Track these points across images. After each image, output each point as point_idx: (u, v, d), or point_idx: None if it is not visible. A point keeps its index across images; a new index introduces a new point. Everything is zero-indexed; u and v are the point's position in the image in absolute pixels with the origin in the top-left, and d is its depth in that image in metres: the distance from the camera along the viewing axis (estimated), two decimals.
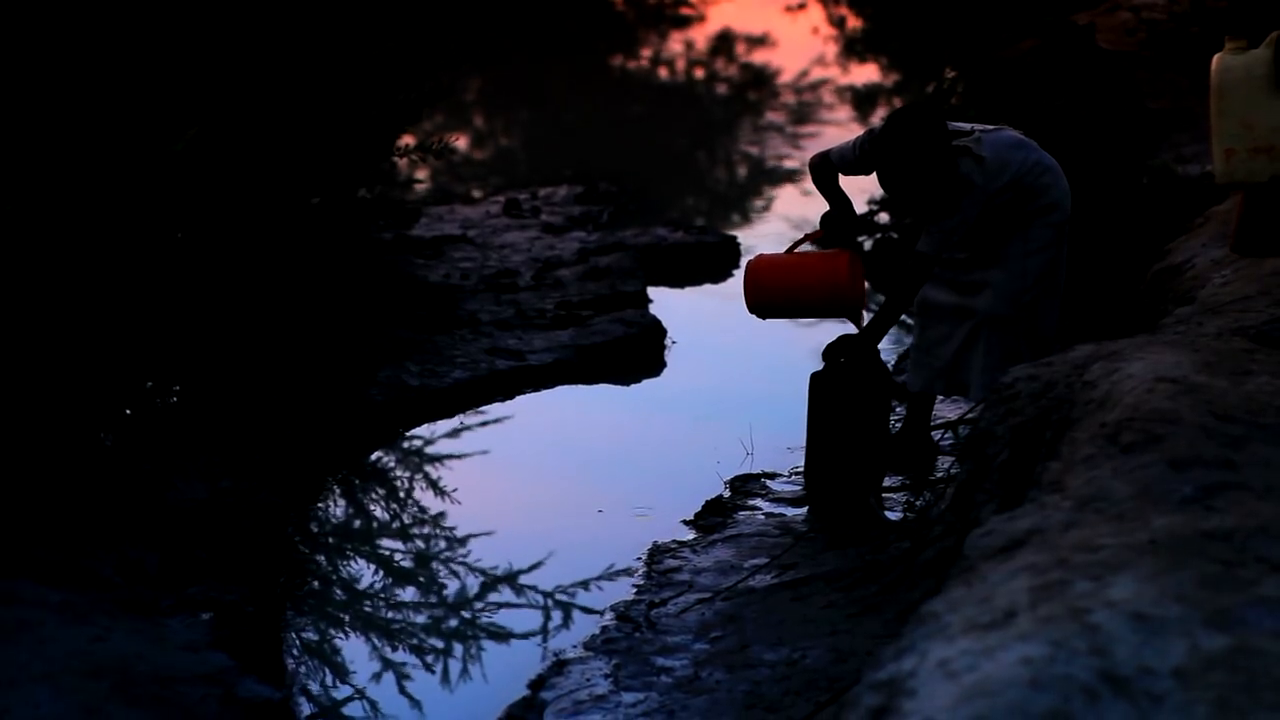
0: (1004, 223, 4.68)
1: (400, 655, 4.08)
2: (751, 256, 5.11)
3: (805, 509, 4.88)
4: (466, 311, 6.99)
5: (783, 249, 5.11)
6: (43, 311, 4.36)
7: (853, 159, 4.78)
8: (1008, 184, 4.61)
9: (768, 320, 5.17)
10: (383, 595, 4.46)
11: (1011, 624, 2.01)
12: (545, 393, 6.32)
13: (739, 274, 5.81)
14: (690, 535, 4.72)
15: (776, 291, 4.97)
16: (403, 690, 3.90)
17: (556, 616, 4.28)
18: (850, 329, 4.97)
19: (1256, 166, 4.23)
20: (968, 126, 4.72)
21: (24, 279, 4.30)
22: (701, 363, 6.77)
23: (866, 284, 5.12)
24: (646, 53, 17.99)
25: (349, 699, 3.86)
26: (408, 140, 7.32)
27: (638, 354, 6.76)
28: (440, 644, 4.16)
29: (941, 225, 4.60)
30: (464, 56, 14.21)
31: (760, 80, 15.93)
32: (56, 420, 4.45)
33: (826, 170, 4.92)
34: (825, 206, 4.97)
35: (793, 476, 5.16)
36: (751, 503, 4.96)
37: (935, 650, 1.99)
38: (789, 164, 11.84)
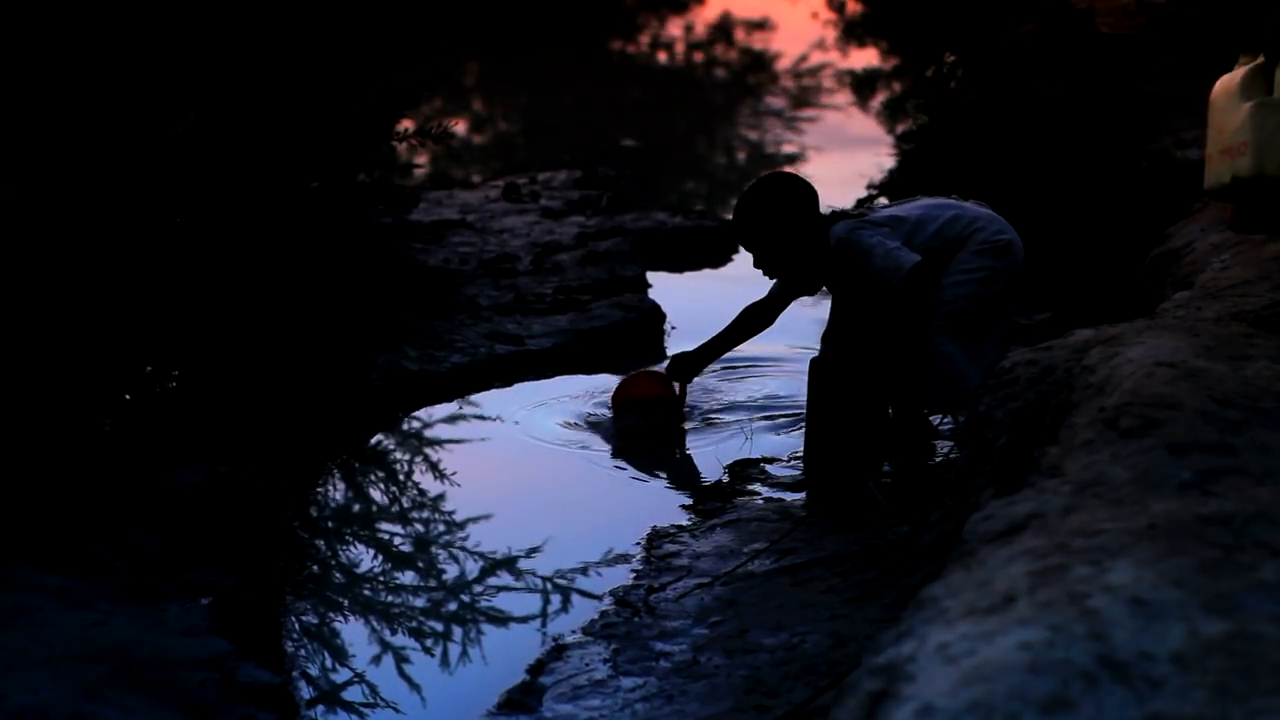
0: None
1: (399, 639, 4.08)
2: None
3: (804, 494, 4.88)
4: (465, 296, 6.98)
5: None
6: (42, 296, 4.36)
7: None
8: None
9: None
10: (382, 580, 4.46)
11: (1010, 608, 2.01)
12: (544, 378, 6.32)
13: (738, 258, 5.81)
14: (689, 520, 4.72)
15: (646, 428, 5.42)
16: (402, 674, 3.90)
17: (555, 601, 4.28)
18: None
19: (1222, 168, 4.33)
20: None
21: (23, 264, 4.30)
22: None
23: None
24: (645, 37, 17.96)
25: (348, 683, 3.86)
26: (407, 125, 7.31)
27: (637, 338, 6.75)
28: (439, 628, 4.16)
29: (871, 248, 4.73)
30: (463, 41, 14.17)
31: (759, 65, 15.91)
32: (56, 405, 4.45)
33: (760, 308, 5.28)
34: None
35: (792, 461, 5.16)
36: (750, 487, 4.96)
37: (934, 635, 1.99)
38: (788, 149, 11.83)
